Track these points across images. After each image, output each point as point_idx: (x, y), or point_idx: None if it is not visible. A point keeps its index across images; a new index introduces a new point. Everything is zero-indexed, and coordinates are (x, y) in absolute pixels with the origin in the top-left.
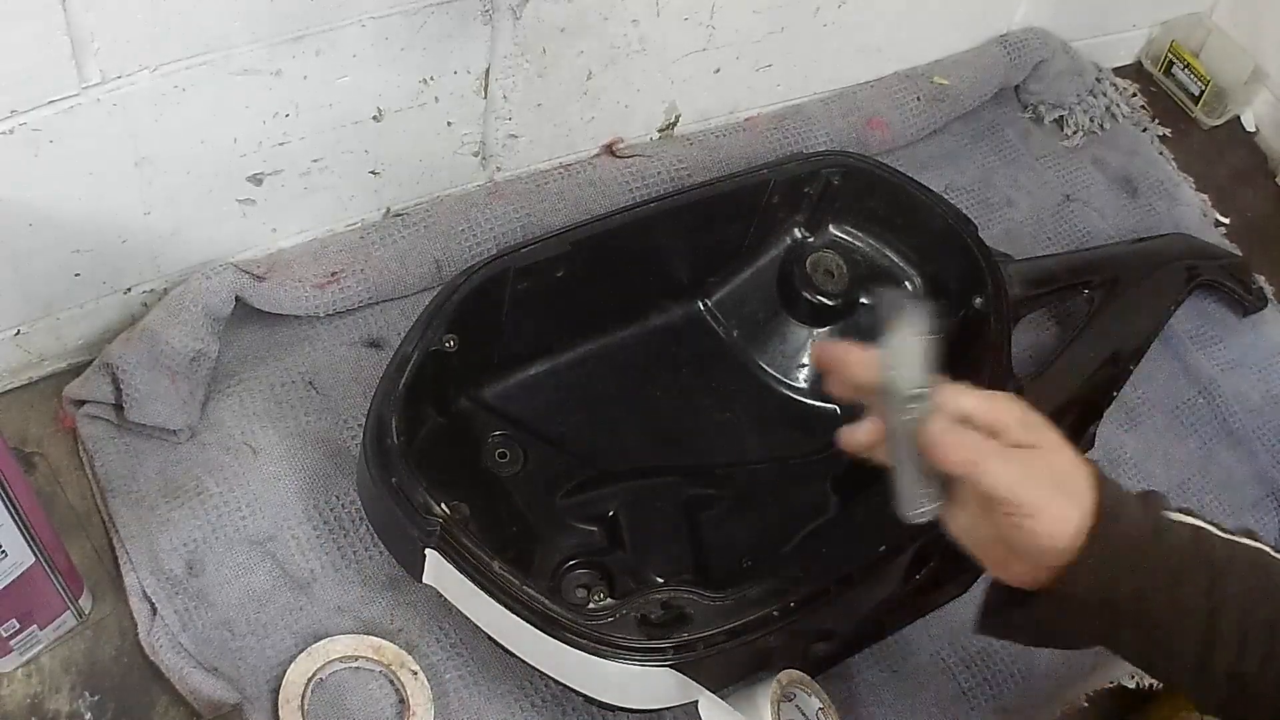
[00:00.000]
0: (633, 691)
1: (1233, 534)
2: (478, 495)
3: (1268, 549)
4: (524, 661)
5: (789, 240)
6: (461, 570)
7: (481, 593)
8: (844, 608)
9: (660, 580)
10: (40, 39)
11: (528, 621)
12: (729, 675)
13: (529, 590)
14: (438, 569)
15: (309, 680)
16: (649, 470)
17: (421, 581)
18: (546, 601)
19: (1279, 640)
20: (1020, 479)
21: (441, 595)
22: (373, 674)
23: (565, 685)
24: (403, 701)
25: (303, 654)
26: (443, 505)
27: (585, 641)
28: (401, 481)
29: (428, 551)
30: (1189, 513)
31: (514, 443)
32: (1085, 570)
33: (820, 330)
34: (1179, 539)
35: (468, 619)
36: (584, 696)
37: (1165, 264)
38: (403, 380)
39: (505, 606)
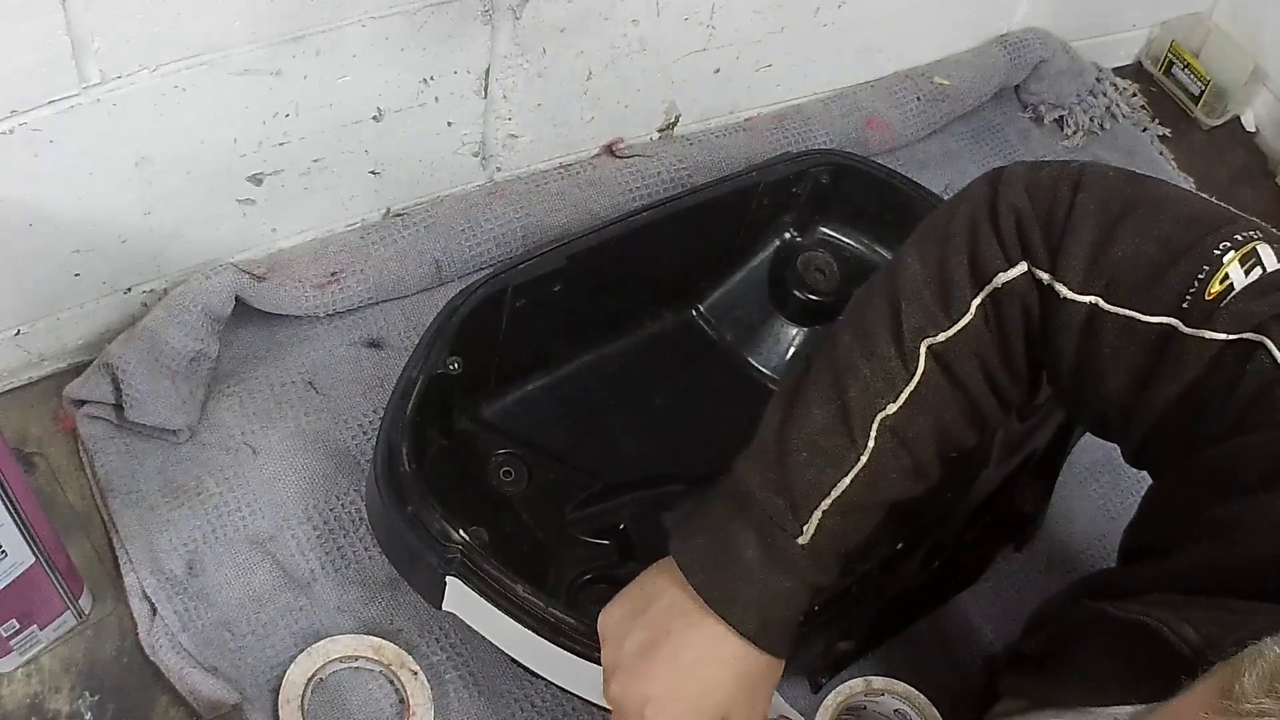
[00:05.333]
0: None
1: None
2: (486, 516)
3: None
4: (551, 683)
5: (779, 241)
6: (485, 596)
7: (506, 617)
8: (864, 606)
9: None
10: (40, 39)
11: (555, 643)
12: None
13: (555, 612)
14: (459, 595)
15: (309, 680)
16: (654, 480)
17: (441, 609)
18: (574, 623)
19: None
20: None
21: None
22: (373, 674)
23: (595, 705)
24: (403, 701)
25: (303, 654)
26: (461, 532)
27: None
28: (417, 510)
29: (448, 579)
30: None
31: (518, 460)
32: (783, 650)
33: (812, 328)
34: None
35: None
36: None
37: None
38: (409, 406)
39: (532, 630)
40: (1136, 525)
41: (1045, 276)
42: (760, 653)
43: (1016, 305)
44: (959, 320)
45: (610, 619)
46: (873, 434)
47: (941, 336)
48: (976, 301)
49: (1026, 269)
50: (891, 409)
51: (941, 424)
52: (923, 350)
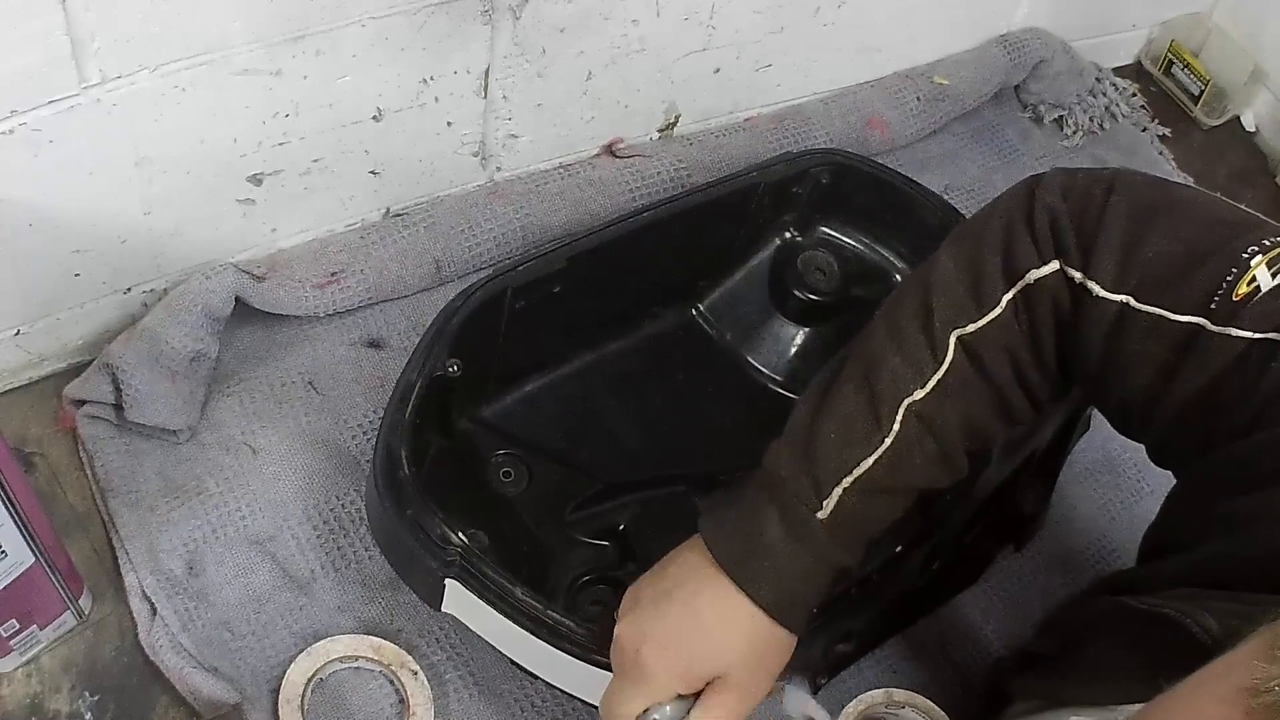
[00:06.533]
0: None
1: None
2: (486, 517)
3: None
4: (551, 685)
5: (779, 241)
6: (484, 599)
7: (505, 619)
8: (864, 607)
9: None
10: (40, 39)
11: (555, 645)
12: None
13: (554, 614)
14: (458, 598)
15: (309, 680)
16: (655, 481)
17: (441, 610)
18: (573, 625)
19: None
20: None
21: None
22: (373, 674)
23: (596, 707)
24: (403, 701)
25: (303, 654)
26: (460, 534)
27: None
28: (417, 514)
29: (447, 581)
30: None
31: (518, 461)
32: (800, 626)
33: (812, 328)
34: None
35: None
36: None
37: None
38: (409, 409)
39: (530, 632)
40: (1157, 525)
41: (1077, 275)
42: (774, 625)
43: (1047, 301)
44: (989, 313)
45: (638, 580)
46: (899, 418)
47: (971, 327)
48: (1008, 296)
49: (1059, 267)
50: (919, 395)
51: (969, 415)
52: (952, 340)
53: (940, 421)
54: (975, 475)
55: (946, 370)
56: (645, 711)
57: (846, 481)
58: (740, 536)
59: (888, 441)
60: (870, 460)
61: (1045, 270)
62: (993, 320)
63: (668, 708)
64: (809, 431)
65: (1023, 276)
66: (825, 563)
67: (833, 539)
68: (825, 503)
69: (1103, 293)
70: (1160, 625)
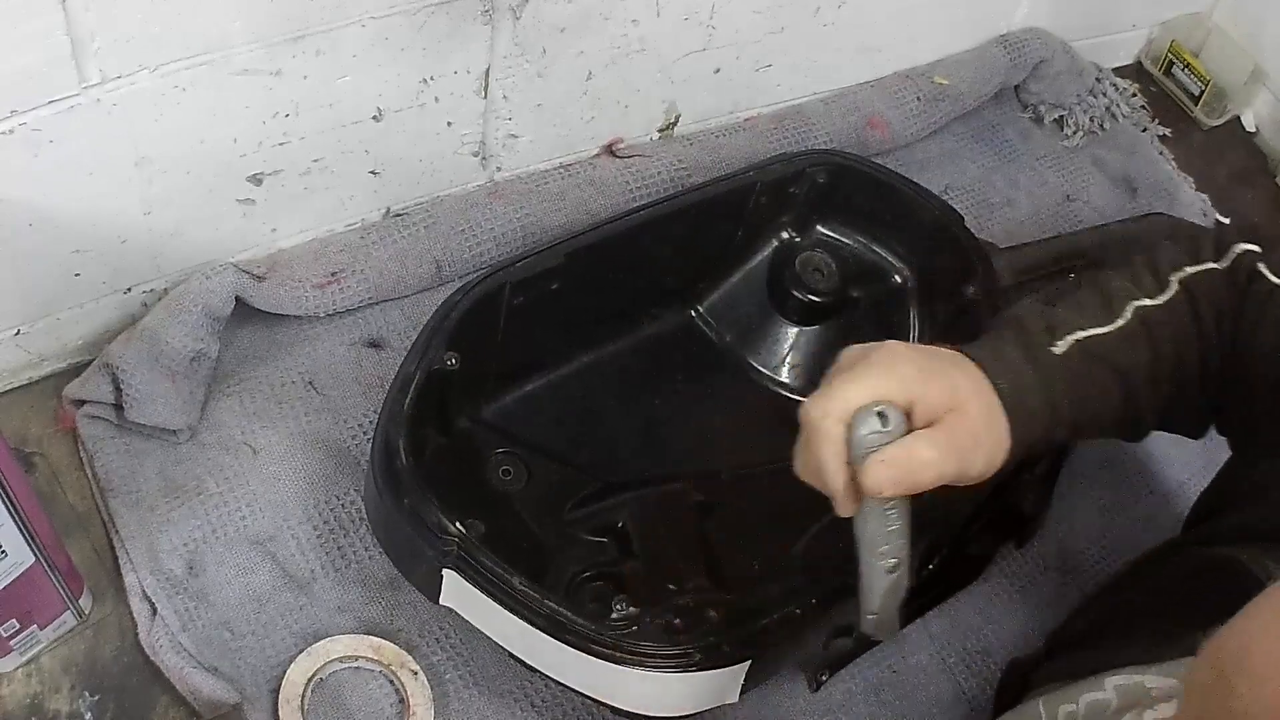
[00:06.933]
0: (661, 699)
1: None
2: (486, 514)
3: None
4: (548, 676)
5: (777, 241)
6: (481, 588)
7: (503, 610)
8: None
9: (674, 588)
10: (40, 39)
11: (553, 636)
12: (756, 675)
13: (551, 604)
14: (456, 589)
15: (309, 680)
16: (653, 479)
17: (439, 603)
18: (571, 615)
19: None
20: (947, 451)
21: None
22: (373, 674)
23: (593, 699)
24: (403, 701)
25: (303, 654)
26: (457, 524)
27: (612, 652)
28: (414, 503)
29: (445, 572)
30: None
31: (517, 459)
32: (1018, 438)
33: (811, 328)
34: (1065, 361)
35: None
36: (611, 708)
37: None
38: (407, 400)
39: (528, 622)
40: (1212, 491)
41: (1261, 262)
42: (1006, 418)
43: (1244, 272)
44: (1205, 264)
45: None
46: (1127, 313)
47: (1190, 270)
48: (1220, 262)
49: (1259, 249)
50: (1147, 302)
51: (1179, 345)
52: (1174, 279)
53: (1159, 334)
54: None
55: (1170, 298)
56: (864, 409)
57: (1080, 335)
58: (981, 348)
59: (1117, 324)
60: (1100, 330)
61: (1249, 246)
62: (1208, 270)
63: (887, 412)
64: (1042, 305)
65: (1230, 248)
66: (1052, 390)
67: (1063, 374)
68: (1058, 344)
69: (1270, 276)
70: (1223, 572)
